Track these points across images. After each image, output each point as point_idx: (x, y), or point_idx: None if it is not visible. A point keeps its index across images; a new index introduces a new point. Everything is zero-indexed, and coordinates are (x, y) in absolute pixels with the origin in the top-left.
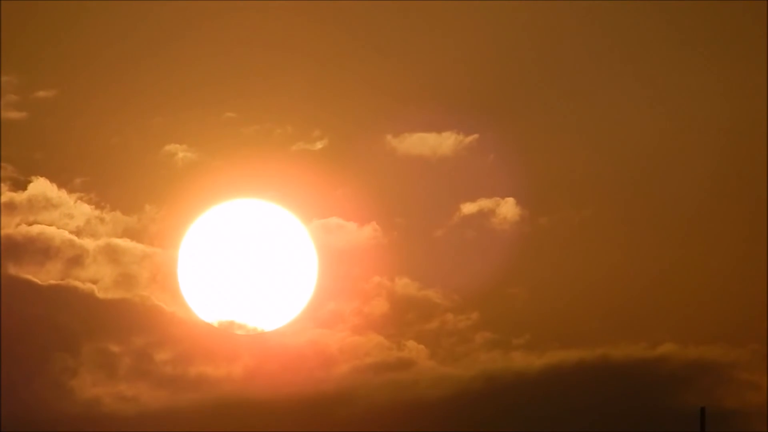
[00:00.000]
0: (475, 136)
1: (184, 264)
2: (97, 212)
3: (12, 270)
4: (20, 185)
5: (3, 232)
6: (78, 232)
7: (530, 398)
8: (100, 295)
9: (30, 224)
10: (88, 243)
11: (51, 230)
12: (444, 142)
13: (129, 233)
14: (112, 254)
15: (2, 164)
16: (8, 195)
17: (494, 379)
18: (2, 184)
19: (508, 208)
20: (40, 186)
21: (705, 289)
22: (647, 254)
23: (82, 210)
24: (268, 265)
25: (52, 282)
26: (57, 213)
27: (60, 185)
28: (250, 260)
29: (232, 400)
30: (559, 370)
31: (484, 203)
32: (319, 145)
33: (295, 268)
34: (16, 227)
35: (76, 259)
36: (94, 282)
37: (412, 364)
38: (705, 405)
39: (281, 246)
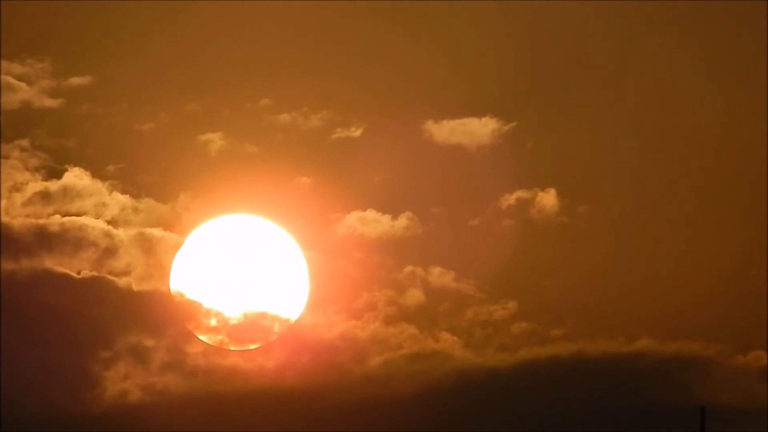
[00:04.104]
0: (514, 123)
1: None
2: (131, 201)
3: (46, 260)
4: (54, 174)
5: (36, 222)
6: (112, 222)
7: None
8: (134, 285)
9: (64, 214)
10: (122, 233)
11: (85, 220)
12: (482, 129)
13: (163, 222)
14: (145, 244)
15: (36, 153)
16: (42, 184)
17: (530, 368)
18: (36, 173)
19: (546, 199)
20: (75, 175)
21: (686, 284)
22: (642, 250)
23: (116, 199)
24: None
25: (86, 272)
26: (91, 202)
27: (94, 173)
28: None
29: (264, 391)
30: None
31: (522, 193)
32: (356, 132)
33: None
34: (49, 217)
35: (110, 249)
36: (128, 273)
37: (446, 355)
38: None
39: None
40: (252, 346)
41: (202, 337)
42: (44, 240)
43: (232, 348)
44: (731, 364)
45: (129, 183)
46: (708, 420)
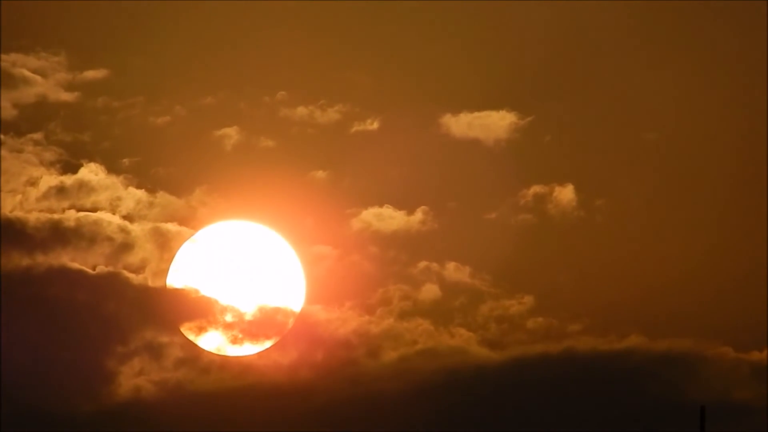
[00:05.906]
0: (531, 117)
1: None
2: (146, 196)
3: (61, 256)
4: (70, 168)
5: (51, 216)
6: (127, 217)
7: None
8: (149, 281)
9: (79, 209)
10: (137, 227)
11: (100, 215)
12: (499, 123)
13: (178, 217)
14: (160, 239)
15: (51, 147)
16: (57, 178)
17: (545, 364)
18: (51, 168)
19: (564, 193)
20: (90, 170)
21: (679, 283)
22: (661, 245)
23: (132, 193)
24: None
25: (101, 268)
26: (106, 197)
27: (109, 168)
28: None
29: (278, 387)
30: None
31: (539, 188)
32: (373, 125)
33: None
34: (64, 212)
35: (125, 245)
36: (143, 268)
37: (461, 350)
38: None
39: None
40: (267, 343)
41: (214, 334)
42: (59, 235)
43: (247, 342)
44: (738, 363)
45: (144, 177)
46: (708, 419)
